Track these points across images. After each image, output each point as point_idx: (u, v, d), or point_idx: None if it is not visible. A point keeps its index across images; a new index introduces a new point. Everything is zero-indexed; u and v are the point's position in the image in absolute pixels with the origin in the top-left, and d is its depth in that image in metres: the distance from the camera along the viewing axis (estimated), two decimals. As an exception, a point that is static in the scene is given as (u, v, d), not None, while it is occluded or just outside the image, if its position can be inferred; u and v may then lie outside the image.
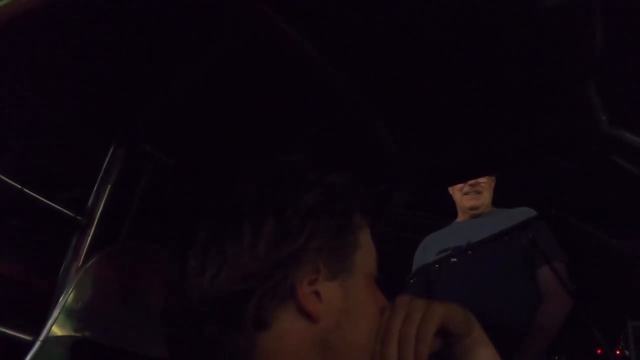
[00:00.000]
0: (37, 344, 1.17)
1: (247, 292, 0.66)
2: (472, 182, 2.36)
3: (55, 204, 1.40)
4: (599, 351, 2.01)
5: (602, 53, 1.19)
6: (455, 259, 2.29)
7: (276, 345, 0.67)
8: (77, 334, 1.21)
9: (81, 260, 1.38)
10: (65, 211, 1.42)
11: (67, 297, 1.23)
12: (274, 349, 0.67)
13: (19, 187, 1.31)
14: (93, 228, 1.43)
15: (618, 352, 2.70)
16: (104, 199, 1.46)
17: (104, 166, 1.49)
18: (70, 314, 1.22)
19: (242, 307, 0.66)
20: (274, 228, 0.68)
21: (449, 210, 2.60)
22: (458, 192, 2.47)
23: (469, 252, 2.24)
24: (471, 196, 2.41)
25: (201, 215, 0.75)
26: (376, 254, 0.80)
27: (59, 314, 1.21)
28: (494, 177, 2.46)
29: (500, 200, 2.50)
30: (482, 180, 2.37)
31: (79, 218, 1.42)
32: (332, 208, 0.73)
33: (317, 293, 0.69)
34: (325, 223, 0.71)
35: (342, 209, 0.74)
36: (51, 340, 1.19)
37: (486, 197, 2.42)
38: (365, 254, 0.76)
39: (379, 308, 0.76)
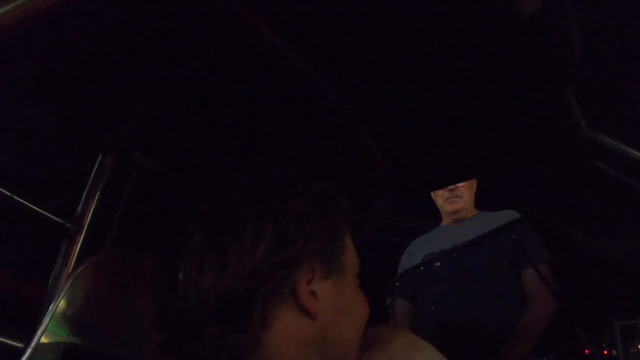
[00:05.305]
0: (29, 351, 1.18)
1: (252, 290, 0.70)
2: (450, 187, 2.38)
3: (44, 210, 1.40)
4: (586, 351, 2.04)
5: (580, 57, 1.23)
6: (440, 262, 2.31)
7: (279, 343, 0.71)
8: (68, 341, 1.22)
9: (71, 266, 1.39)
10: (55, 218, 1.42)
11: (58, 304, 1.23)
12: (277, 346, 0.71)
13: (9, 194, 1.32)
14: (82, 235, 1.44)
15: (605, 352, 2.72)
16: (93, 206, 1.47)
17: (93, 173, 1.50)
18: (61, 321, 1.23)
19: (249, 306, 0.70)
20: (272, 232, 0.73)
21: (435, 213, 2.63)
22: (439, 198, 2.49)
23: (453, 254, 2.26)
24: (451, 200, 2.43)
25: (194, 219, 0.78)
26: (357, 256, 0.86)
27: (50, 320, 1.21)
28: (474, 180, 2.47)
29: (484, 203, 2.52)
30: (460, 184, 2.39)
31: (68, 225, 1.43)
32: (322, 214, 0.78)
33: (313, 292, 0.74)
34: (318, 227, 0.77)
35: (330, 214, 0.80)
36: (42, 347, 1.19)
37: (467, 201, 2.43)
38: (351, 255, 0.82)
39: (365, 308, 0.82)
